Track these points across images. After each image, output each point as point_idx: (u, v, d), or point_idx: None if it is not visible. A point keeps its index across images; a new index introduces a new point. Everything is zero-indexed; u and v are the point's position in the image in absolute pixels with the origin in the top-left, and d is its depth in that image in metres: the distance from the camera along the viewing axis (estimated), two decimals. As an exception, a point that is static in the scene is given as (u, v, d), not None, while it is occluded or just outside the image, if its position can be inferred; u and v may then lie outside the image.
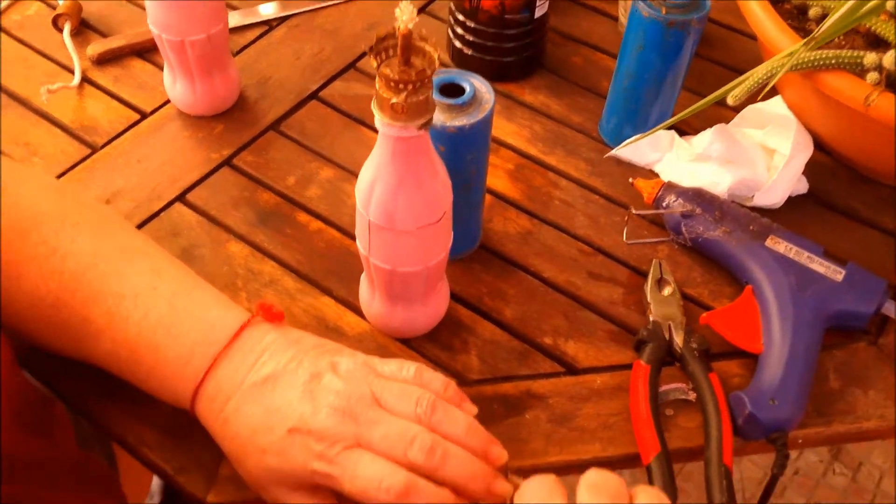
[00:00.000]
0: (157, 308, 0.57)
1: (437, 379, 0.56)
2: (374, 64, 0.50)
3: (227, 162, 0.82)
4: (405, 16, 0.47)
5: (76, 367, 0.66)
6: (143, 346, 0.56)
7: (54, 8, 0.95)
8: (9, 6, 0.97)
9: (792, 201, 0.79)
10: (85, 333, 0.57)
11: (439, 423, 0.53)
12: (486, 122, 0.66)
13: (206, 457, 0.63)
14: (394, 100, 0.50)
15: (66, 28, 0.90)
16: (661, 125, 0.74)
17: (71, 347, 0.59)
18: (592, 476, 0.47)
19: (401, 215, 0.58)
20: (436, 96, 0.63)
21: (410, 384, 0.55)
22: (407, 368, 0.56)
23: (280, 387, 0.54)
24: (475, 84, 0.65)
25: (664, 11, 0.74)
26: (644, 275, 0.75)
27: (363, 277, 0.69)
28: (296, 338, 0.57)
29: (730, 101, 0.70)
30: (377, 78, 0.50)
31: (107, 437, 0.65)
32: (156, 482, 1.45)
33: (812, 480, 1.58)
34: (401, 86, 0.49)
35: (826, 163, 0.83)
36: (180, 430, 0.64)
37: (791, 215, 0.78)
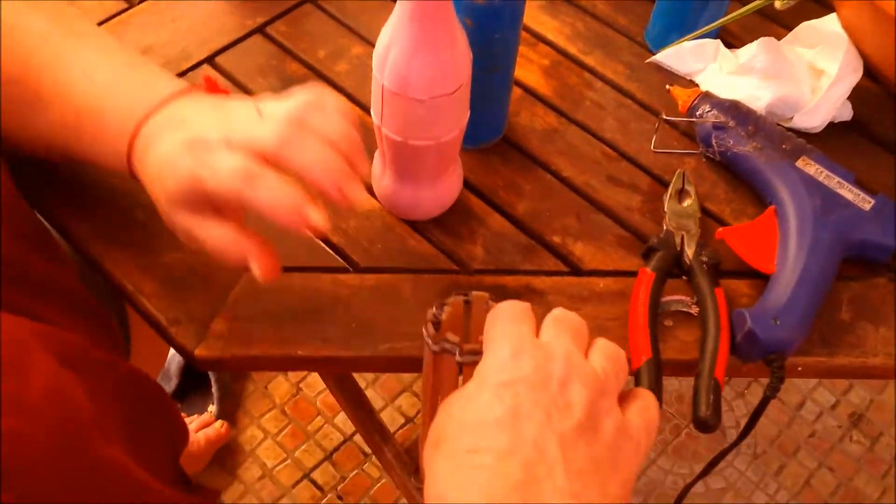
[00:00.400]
0: (104, 76, 0.58)
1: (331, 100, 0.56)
2: None
3: (260, 29, 0.81)
4: None
5: (84, 210, 0.68)
6: (87, 111, 0.57)
7: None
8: None
9: (833, 127, 0.76)
10: (35, 108, 0.58)
11: (311, 120, 0.53)
12: (519, 2, 0.64)
13: (200, 312, 0.64)
14: None
15: None
16: (709, 26, 0.72)
17: (22, 125, 0.60)
18: (558, 312, 0.47)
19: (415, 81, 0.57)
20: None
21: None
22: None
23: (192, 122, 0.55)
24: None
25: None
26: (666, 185, 0.73)
27: (377, 153, 0.68)
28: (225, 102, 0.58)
29: (778, 5, 0.67)
30: None
31: (111, 288, 0.67)
32: (174, 366, 1.49)
33: (827, 444, 1.56)
34: None
35: (874, 91, 0.79)
36: (178, 283, 0.65)
37: (830, 141, 0.75)
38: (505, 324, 0.47)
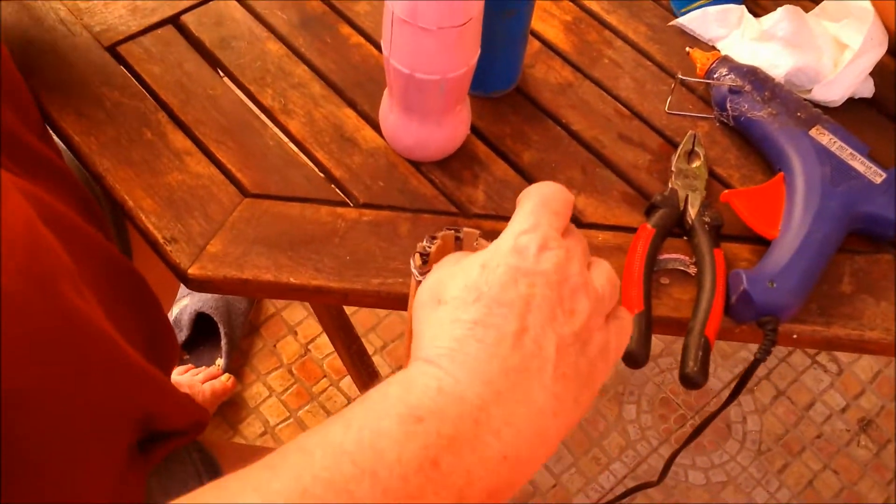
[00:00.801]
0: None
1: None
2: None
3: (284, -37, 0.81)
4: None
5: (93, 125, 0.68)
6: None
7: None
8: None
9: (852, 103, 0.75)
10: None
11: None
12: None
13: (197, 233, 0.64)
14: None
15: None
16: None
17: None
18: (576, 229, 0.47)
19: (424, 9, 0.56)
20: None
21: None
22: None
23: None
24: None
25: None
26: (676, 146, 0.72)
27: (386, 92, 0.68)
28: None
29: (802, -27, 0.66)
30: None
31: (111, 202, 0.67)
32: (186, 317, 1.50)
33: (834, 447, 1.53)
34: None
35: (900, 69, 0.78)
36: (179, 203, 0.65)
37: (847, 117, 0.73)
38: (544, 210, 0.45)
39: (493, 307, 0.42)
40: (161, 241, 0.64)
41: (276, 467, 0.37)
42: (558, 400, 0.41)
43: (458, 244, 0.60)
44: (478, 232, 0.59)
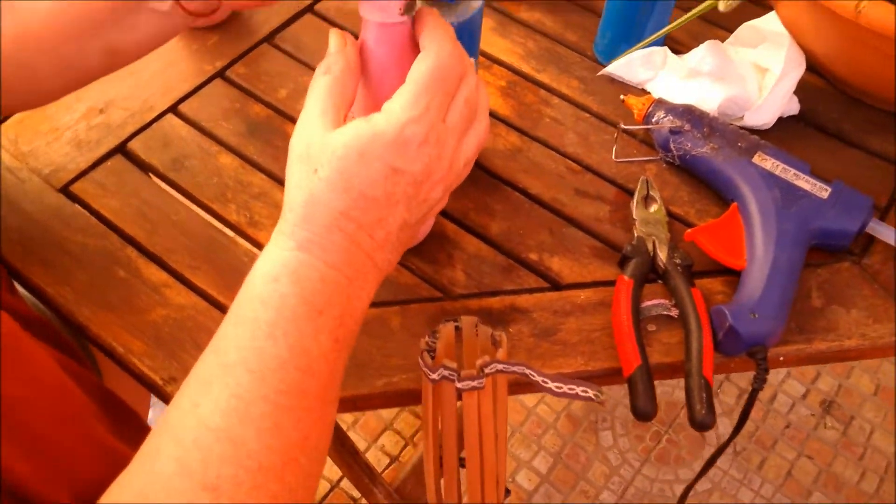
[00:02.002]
0: None
1: None
2: None
3: (220, 74, 0.82)
4: None
5: (64, 275, 0.68)
6: None
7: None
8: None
9: (782, 122, 0.79)
10: None
11: None
12: (475, 22, 0.65)
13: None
14: None
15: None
16: (657, 34, 0.74)
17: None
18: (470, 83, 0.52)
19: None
20: None
21: None
22: None
23: None
24: None
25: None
26: (631, 193, 0.75)
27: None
28: None
29: (721, 7, 0.70)
30: None
31: (96, 346, 0.67)
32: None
33: (803, 434, 1.60)
34: None
35: (818, 84, 0.83)
36: (168, 340, 0.65)
37: (781, 135, 0.78)
38: (437, 91, 0.49)
39: (359, 201, 0.49)
40: (160, 382, 0.63)
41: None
42: (389, 265, 0.53)
43: (459, 332, 0.62)
44: (475, 319, 0.61)
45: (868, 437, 1.59)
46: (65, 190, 0.74)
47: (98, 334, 0.66)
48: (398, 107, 0.49)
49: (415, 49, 0.56)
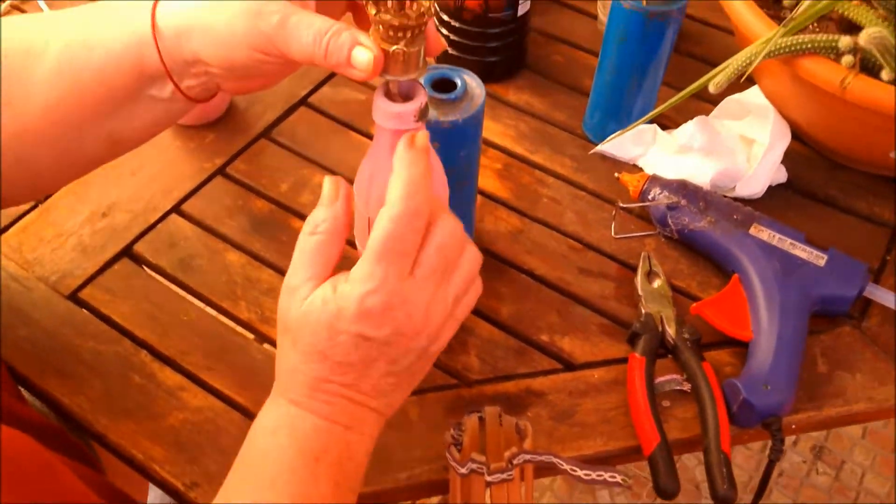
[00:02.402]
0: (84, 8, 0.57)
1: None
2: (372, 11, 0.49)
3: (220, 171, 0.83)
4: None
5: (79, 384, 0.68)
6: (87, 19, 0.55)
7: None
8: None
9: (772, 190, 0.82)
10: (30, 55, 0.55)
11: None
12: (478, 117, 0.67)
13: (216, 471, 0.64)
14: (393, 48, 0.49)
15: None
16: (645, 117, 0.76)
17: (23, 79, 0.56)
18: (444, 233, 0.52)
19: None
20: (429, 92, 0.64)
21: None
22: None
23: None
24: (466, 79, 0.66)
25: (645, 2, 0.75)
26: (633, 268, 0.77)
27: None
28: None
29: (711, 88, 0.72)
30: (373, 28, 0.49)
31: (115, 455, 0.66)
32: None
33: (796, 481, 1.61)
34: (400, 33, 0.49)
35: (803, 152, 0.85)
36: (188, 444, 0.65)
37: (772, 204, 0.80)
38: (391, 257, 0.49)
39: (335, 368, 0.51)
40: (182, 488, 0.63)
41: None
42: (384, 414, 0.54)
43: (482, 423, 0.62)
44: (498, 409, 0.62)
45: (860, 480, 1.61)
46: (73, 297, 0.74)
47: (117, 443, 0.65)
48: (357, 279, 0.49)
49: (429, 150, 0.57)
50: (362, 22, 0.55)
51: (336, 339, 0.50)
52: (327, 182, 0.52)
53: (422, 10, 0.48)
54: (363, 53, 0.48)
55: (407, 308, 0.50)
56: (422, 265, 0.51)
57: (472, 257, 0.54)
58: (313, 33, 0.48)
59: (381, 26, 0.48)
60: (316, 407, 0.51)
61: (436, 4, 0.88)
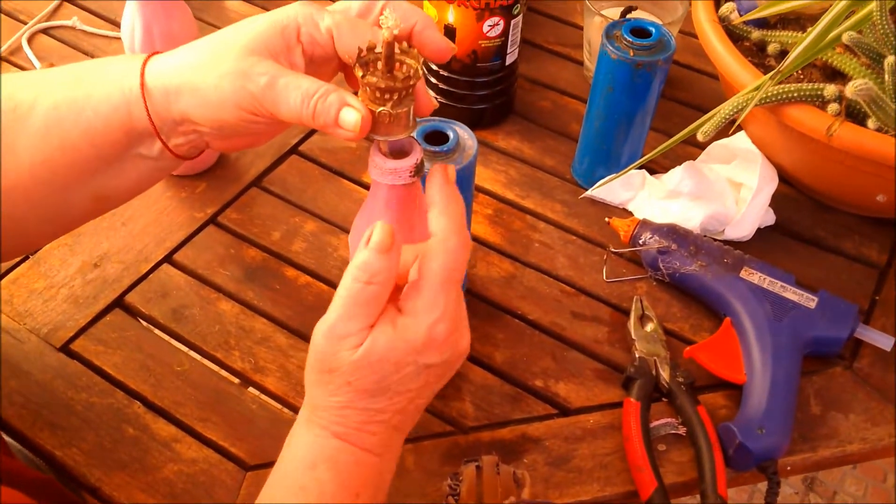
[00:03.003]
0: (73, 67, 0.57)
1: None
2: (359, 74, 0.50)
3: (212, 220, 0.83)
4: (390, 22, 0.47)
5: (72, 437, 0.67)
6: (83, 72, 0.56)
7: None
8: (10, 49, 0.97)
9: (760, 233, 0.83)
10: (18, 114, 0.55)
11: None
12: (471, 168, 0.68)
13: (213, 519, 0.63)
14: (380, 109, 0.50)
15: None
16: (634, 164, 0.77)
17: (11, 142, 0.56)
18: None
19: None
20: (421, 144, 0.64)
21: None
22: None
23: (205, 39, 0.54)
24: (458, 131, 0.67)
25: (632, 53, 0.77)
26: (625, 312, 0.77)
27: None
28: None
29: (700, 137, 0.73)
30: (361, 90, 0.50)
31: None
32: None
33: (791, 513, 1.61)
34: (387, 95, 0.49)
35: (790, 194, 0.86)
36: (184, 496, 0.65)
37: (760, 246, 0.81)
38: (451, 287, 0.50)
39: (394, 398, 0.51)
40: (179, 541, 0.63)
41: None
42: (409, 424, 0.54)
43: (479, 472, 0.62)
44: (496, 458, 0.62)
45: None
46: (65, 349, 0.73)
47: (111, 495, 0.65)
48: (422, 310, 0.50)
49: (424, 203, 0.58)
50: (354, 81, 0.55)
51: (402, 372, 0.50)
52: (381, 228, 0.49)
53: (409, 73, 0.50)
54: (351, 114, 0.49)
55: (461, 330, 0.52)
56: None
57: None
58: (301, 94, 0.49)
59: (368, 88, 0.49)
60: (362, 439, 0.51)
61: (424, 66, 0.89)
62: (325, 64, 0.55)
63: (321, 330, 0.50)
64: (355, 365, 0.49)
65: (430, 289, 0.50)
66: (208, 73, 0.51)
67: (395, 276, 0.50)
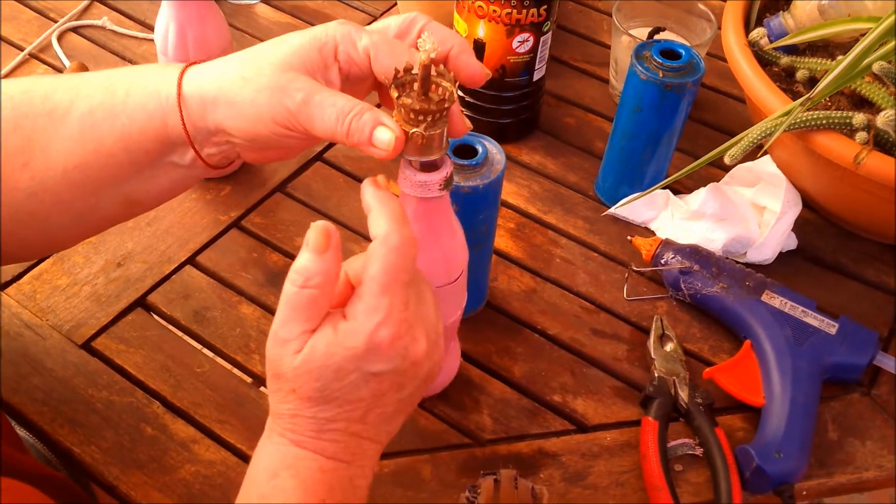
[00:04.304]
0: (109, 73, 0.57)
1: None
2: (394, 95, 0.50)
3: (236, 224, 0.83)
4: (427, 45, 0.48)
5: (91, 434, 0.67)
6: (116, 79, 0.56)
7: (61, 71, 0.96)
8: (15, 69, 0.98)
9: (782, 257, 0.83)
10: (53, 116, 0.55)
11: None
12: (498, 182, 0.68)
13: (229, 522, 0.63)
14: (413, 130, 0.51)
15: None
16: (659, 184, 0.78)
17: (45, 146, 0.56)
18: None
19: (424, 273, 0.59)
20: (451, 158, 0.65)
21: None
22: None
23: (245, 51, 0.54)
24: (487, 146, 0.68)
25: (661, 75, 0.77)
26: (645, 331, 0.77)
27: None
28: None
29: (727, 160, 0.73)
30: (396, 111, 0.51)
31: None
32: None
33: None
34: (420, 116, 0.50)
35: (813, 219, 0.87)
36: (200, 497, 0.65)
37: (782, 270, 0.81)
38: (395, 288, 0.48)
39: (344, 406, 0.50)
40: (194, 541, 0.63)
41: None
42: (389, 434, 0.54)
43: (497, 485, 0.62)
44: (514, 472, 0.62)
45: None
46: (86, 346, 0.74)
47: (128, 494, 0.65)
48: (362, 313, 0.48)
49: (451, 216, 0.58)
50: (388, 100, 0.56)
51: (345, 381, 0.49)
52: (316, 230, 0.49)
53: (444, 95, 0.50)
54: (385, 133, 0.49)
55: (413, 334, 0.50)
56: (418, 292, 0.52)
57: None
58: (336, 112, 0.50)
59: (403, 109, 0.50)
60: (321, 447, 0.50)
61: (459, 90, 0.90)
62: (361, 82, 0.55)
63: (270, 333, 0.50)
64: (296, 371, 0.49)
65: (369, 293, 0.48)
66: (245, 86, 0.51)
67: (335, 278, 0.49)
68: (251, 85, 0.51)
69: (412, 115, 0.50)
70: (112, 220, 0.62)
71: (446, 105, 0.50)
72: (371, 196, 0.50)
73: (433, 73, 0.50)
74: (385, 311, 0.48)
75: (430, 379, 0.54)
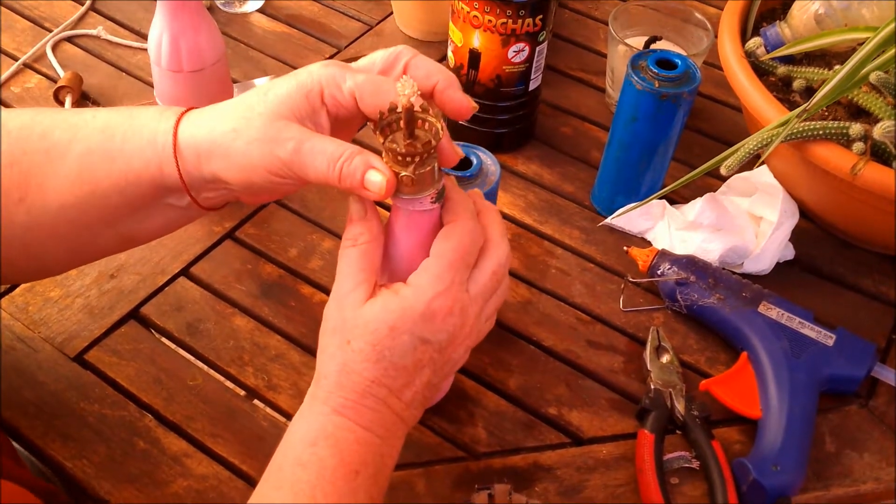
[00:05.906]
0: (112, 112, 0.58)
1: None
2: (381, 140, 0.51)
3: (230, 235, 0.83)
4: (407, 90, 0.48)
5: (83, 448, 0.67)
6: (113, 123, 0.56)
7: (55, 81, 0.96)
8: (9, 78, 0.97)
9: (779, 267, 0.82)
10: (52, 158, 0.56)
11: None
12: (493, 193, 0.68)
13: (222, 537, 0.63)
14: (403, 173, 0.51)
15: (68, 101, 0.92)
16: (656, 195, 0.77)
17: (42, 184, 0.56)
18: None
19: None
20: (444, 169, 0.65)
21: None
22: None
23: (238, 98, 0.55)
24: (481, 157, 0.68)
25: (657, 85, 0.77)
26: (641, 342, 0.77)
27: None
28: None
29: (723, 171, 0.73)
30: (383, 153, 0.52)
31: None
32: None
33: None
34: (408, 159, 0.51)
35: (810, 230, 0.86)
36: (194, 510, 0.64)
37: (779, 281, 0.81)
38: (460, 267, 0.54)
39: (389, 369, 0.53)
40: (186, 557, 0.62)
41: None
42: (415, 418, 0.57)
43: (492, 500, 0.62)
44: (509, 487, 0.61)
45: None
46: (79, 359, 0.73)
47: (120, 508, 0.65)
48: (425, 282, 0.53)
49: (440, 228, 0.58)
50: None
51: (397, 340, 0.52)
52: (354, 201, 0.54)
53: (431, 135, 0.51)
54: (376, 176, 0.51)
55: (462, 317, 0.54)
56: (476, 282, 0.55)
57: (506, 289, 0.58)
58: (327, 159, 0.51)
59: (390, 153, 0.51)
60: (361, 414, 0.53)
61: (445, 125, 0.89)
62: (351, 121, 0.56)
63: (330, 297, 0.55)
64: (355, 321, 0.52)
65: (438, 264, 0.53)
66: (237, 139, 0.52)
67: (380, 235, 0.55)
68: (243, 137, 0.52)
69: (399, 158, 0.51)
70: (107, 253, 0.64)
71: (433, 145, 0.51)
72: (454, 191, 0.55)
73: (418, 108, 0.50)
74: (447, 284, 0.53)
75: (452, 372, 0.57)
